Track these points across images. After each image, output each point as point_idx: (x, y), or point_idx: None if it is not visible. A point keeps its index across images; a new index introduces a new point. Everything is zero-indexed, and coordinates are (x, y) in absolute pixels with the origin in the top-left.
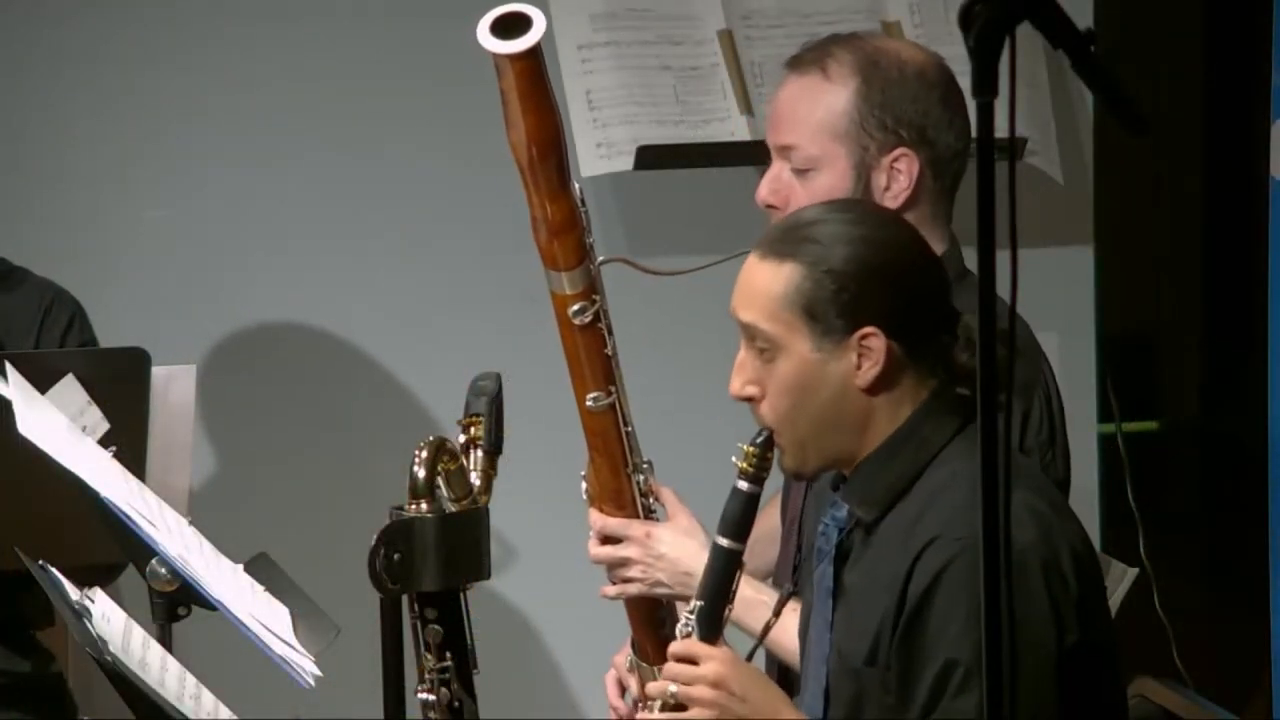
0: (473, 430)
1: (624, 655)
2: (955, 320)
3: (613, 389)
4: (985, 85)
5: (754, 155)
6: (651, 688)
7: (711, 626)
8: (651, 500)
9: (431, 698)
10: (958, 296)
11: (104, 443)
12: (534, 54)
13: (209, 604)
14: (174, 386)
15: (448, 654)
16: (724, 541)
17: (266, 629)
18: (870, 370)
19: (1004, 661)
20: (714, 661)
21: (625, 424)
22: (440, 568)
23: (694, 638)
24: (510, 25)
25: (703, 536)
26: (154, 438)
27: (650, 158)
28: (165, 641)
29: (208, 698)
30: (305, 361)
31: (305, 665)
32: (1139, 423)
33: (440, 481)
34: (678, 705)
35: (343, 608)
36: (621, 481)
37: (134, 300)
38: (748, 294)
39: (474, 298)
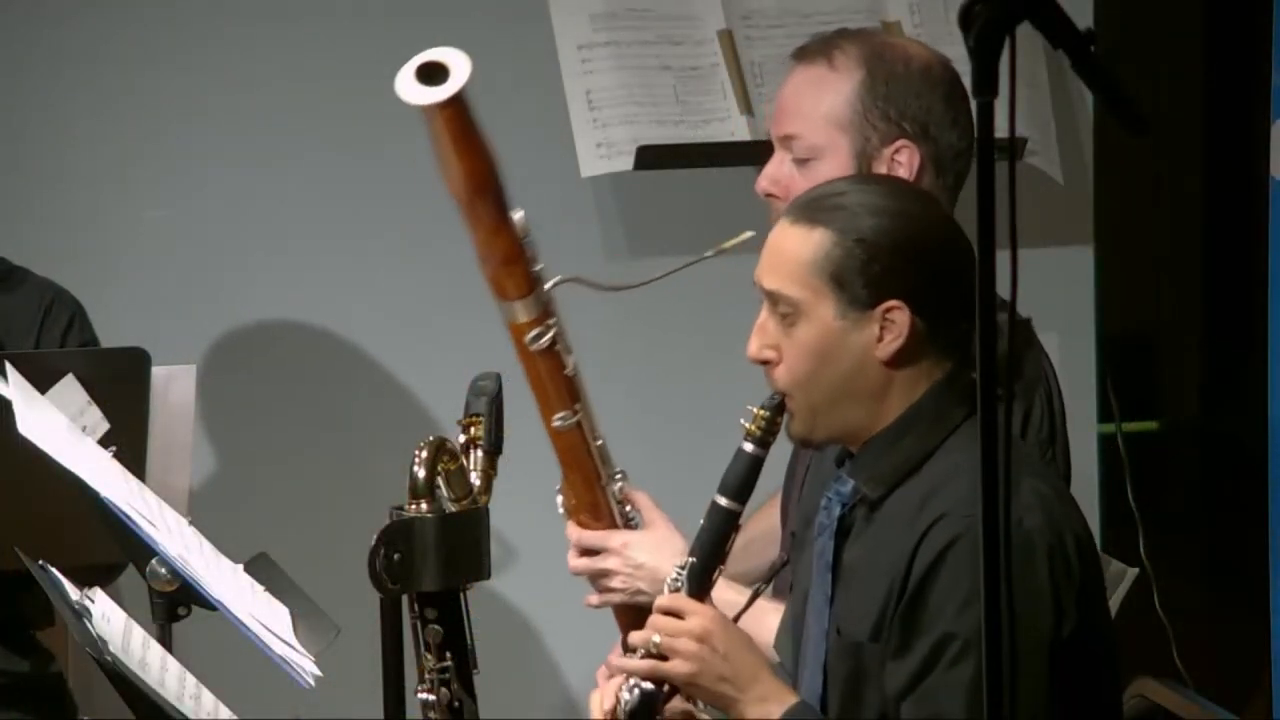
0: (473, 430)
1: (617, 655)
2: None
3: (578, 407)
4: (985, 85)
5: (754, 155)
6: (634, 636)
7: (701, 584)
8: (628, 509)
9: (431, 698)
10: None
11: (104, 443)
12: (458, 99)
13: (209, 604)
14: (174, 386)
15: (448, 654)
16: (722, 501)
17: (266, 629)
18: (891, 344)
19: (1005, 645)
20: (700, 617)
21: (594, 438)
22: (440, 568)
23: (683, 593)
24: (432, 73)
25: (680, 542)
26: (154, 438)
27: (650, 158)
28: (165, 641)
29: (208, 698)
30: (305, 361)
31: (305, 665)
32: (1139, 423)
33: (440, 481)
34: (660, 656)
35: (343, 608)
36: (596, 494)
37: (134, 300)
38: (775, 258)
39: (474, 298)
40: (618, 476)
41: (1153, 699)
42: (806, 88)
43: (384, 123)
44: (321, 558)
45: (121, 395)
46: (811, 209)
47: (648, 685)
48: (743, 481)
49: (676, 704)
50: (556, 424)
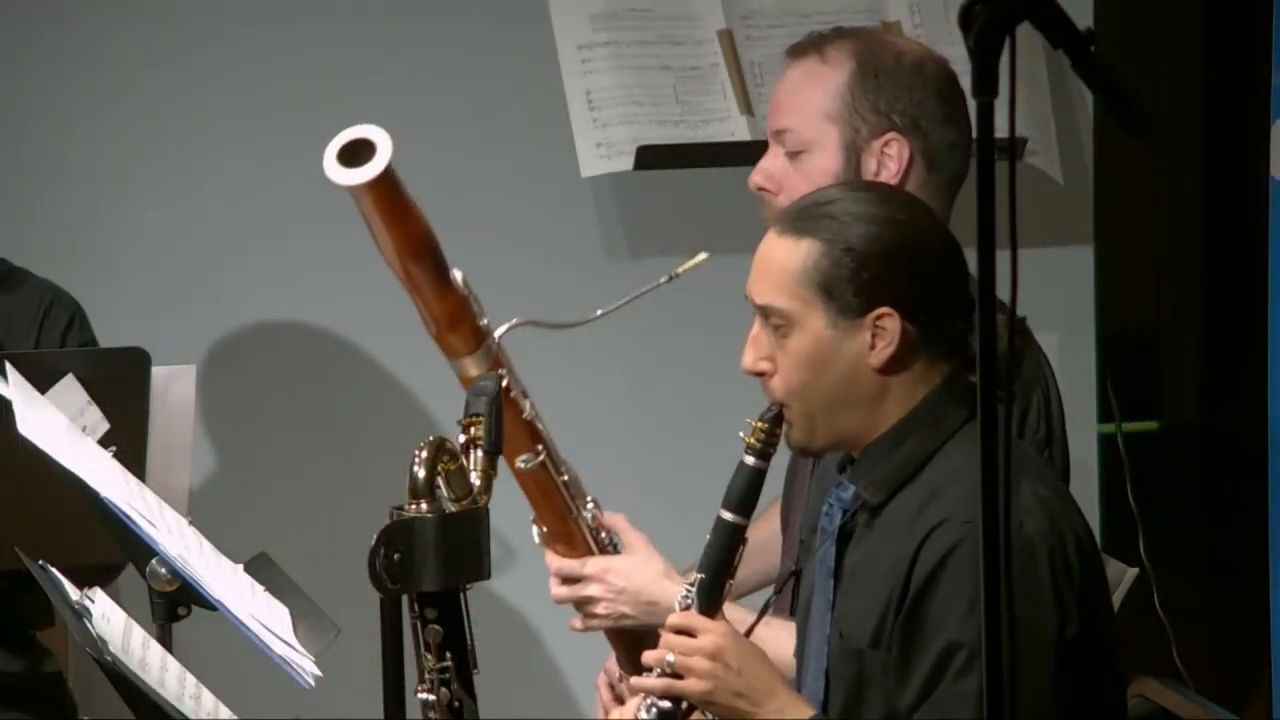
0: (473, 430)
1: (614, 663)
2: (972, 307)
3: (540, 447)
4: (985, 85)
5: (754, 155)
6: (648, 656)
7: (711, 600)
8: (603, 534)
9: (431, 698)
10: None
11: (104, 443)
12: (386, 175)
13: (209, 604)
14: (174, 386)
15: (448, 654)
16: (727, 515)
17: (266, 629)
18: (884, 350)
19: (1004, 648)
20: (712, 634)
21: (559, 474)
22: (440, 568)
23: (693, 610)
24: (357, 150)
25: (660, 563)
26: (154, 438)
27: (650, 158)
28: (165, 641)
29: (208, 698)
30: (305, 361)
31: (305, 665)
32: (1139, 423)
33: (440, 481)
34: (674, 674)
35: (343, 608)
36: (569, 526)
37: (134, 300)
38: (764, 270)
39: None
40: (589, 505)
41: (1153, 699)
42: (799, 82)
43: (384, 123)
44: (321, 558)
45: (121, 395)
46: (799, 219)
47: (664, 704)
48: (746, 495)
49: None
50: (520, 465)
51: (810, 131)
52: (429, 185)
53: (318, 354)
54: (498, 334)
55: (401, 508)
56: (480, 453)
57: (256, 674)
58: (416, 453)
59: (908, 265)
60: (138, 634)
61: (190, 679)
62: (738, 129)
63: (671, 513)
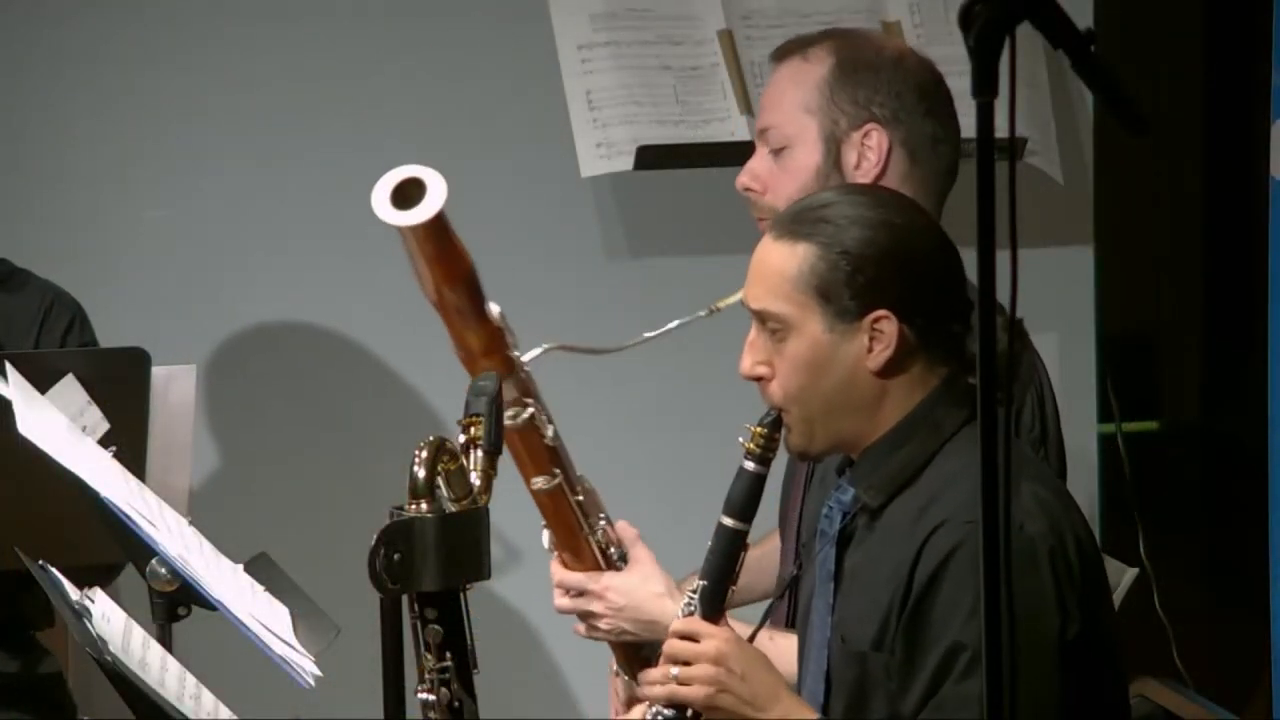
0: (473, 430)
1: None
2: (969, 310)
3: (557, 471)
4: (985, 85)
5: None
6: (650, 674)
7: (714, 606)
8: (612, 550)
9: (431, 698)
10: None
11: (104, 443)
12: (438, 218)
13: (209, 604)
14: (174, 386)
15: (448, 654)
16: (728, 521)
17: (266, 629)
18: (881, 353)
19: (1005, 649)
20: (715, 639)
21: (575, 494)
22: (440, 568)
23: (696, 616)
24: (406, 191)
25: (663, 582)
26: (154, 438)
27: (650, 158)
28: (165, 641)
29: (208, 698)
30: (305, 361)
31: (305, 665)
32: (1139, 423)
33: (440, 481)
34: (680, 682)
35: (343, 608)
36: (580, 542)
37: (134, 300)
38: (760, 275)
39: None
40: (602, 523)
41: (1153, 699)
42: (782, 83)
43: (384, 123)
44: (321, 558)
45: (121, 395)
46: (794, 223)
47: (669, 712)
48: (746, 500)
49: None
50: (536, 486)
51: (791, 127)
52: None
53: (318, 354)
54: (527, 358)
55: (401, 508)
56: (480, 453)
57: (256, 674)
58: (416, 453)
59: (904, 268)
60: (138, 634)
61: (190, 679)
62: (738, 129)
63: (672, 519)
